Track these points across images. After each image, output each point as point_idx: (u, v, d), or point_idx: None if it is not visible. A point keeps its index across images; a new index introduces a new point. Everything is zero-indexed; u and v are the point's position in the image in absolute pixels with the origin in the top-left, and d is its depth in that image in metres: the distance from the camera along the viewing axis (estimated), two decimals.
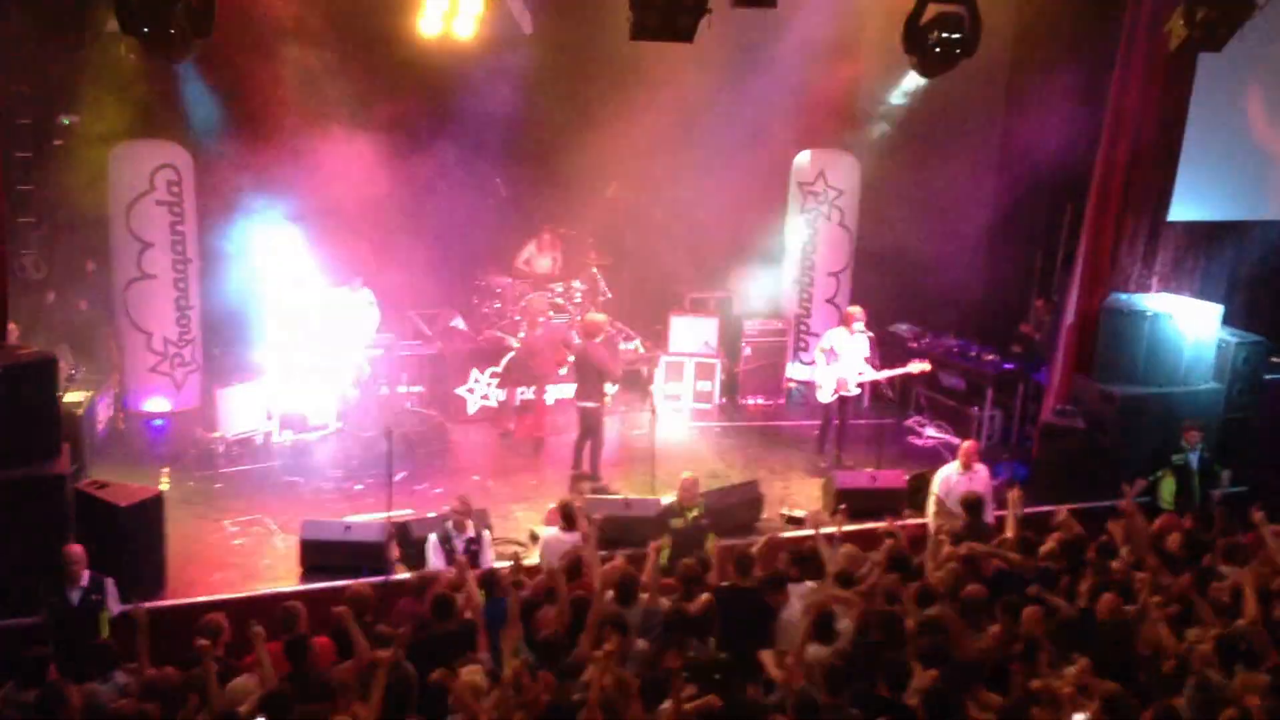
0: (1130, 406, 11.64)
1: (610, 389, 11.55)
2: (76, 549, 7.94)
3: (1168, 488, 10.78)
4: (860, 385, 12.22)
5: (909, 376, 12.72)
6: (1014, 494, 9.48)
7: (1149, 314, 11.76)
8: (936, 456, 12.45)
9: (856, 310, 12.24)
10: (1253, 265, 12.99)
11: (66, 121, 12.86)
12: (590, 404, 11.36)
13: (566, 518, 8.92)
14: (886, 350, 13.46)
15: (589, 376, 11.41)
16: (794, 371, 14.61)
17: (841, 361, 12.02)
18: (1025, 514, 9.40)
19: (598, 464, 11.46)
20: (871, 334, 12.28)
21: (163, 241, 12.48)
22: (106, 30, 11.99)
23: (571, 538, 8.70)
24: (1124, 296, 12.08)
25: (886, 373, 12.32)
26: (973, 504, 9.23)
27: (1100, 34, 11.97)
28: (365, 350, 13.07)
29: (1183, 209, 12.21)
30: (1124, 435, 11.56)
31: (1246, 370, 12.07)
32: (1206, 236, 12.58)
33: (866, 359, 12.11)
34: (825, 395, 12.13)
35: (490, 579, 7.74)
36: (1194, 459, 10.76)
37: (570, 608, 7.23)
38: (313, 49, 12.72)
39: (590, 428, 11.41)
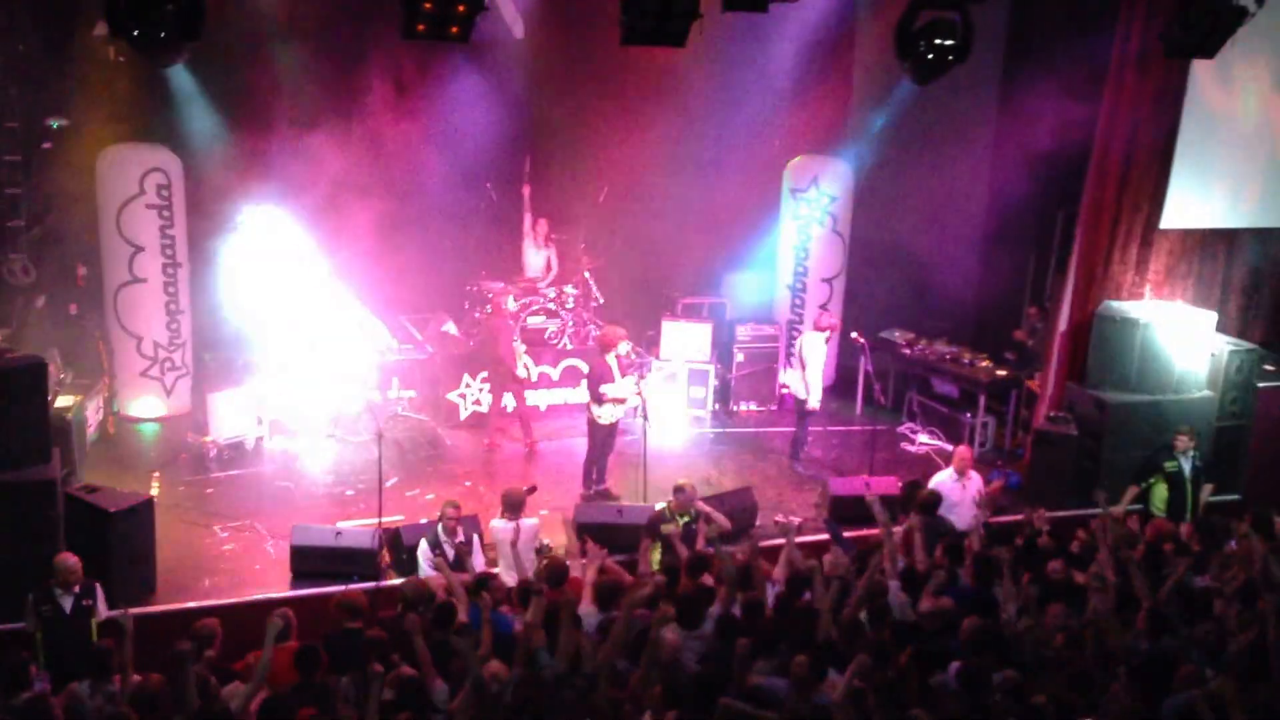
0: (1123, 414, 11.62)
1: (597, 409, 11.28)
2: (73, 560, 7.89)
3: (1159, 494, 10.77)
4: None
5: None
6: (988, 494, 9.57)
7: (1142, 321, 11.75)
8: (929, 463, 12.45)
9: (828, 317, 12.49)
10: (1246, 273, 13.00)
11: (56, 125, 12.82)
12: (589, 413, 11.34)
13: (510, 507, 9.04)
14: (878, 356, 13.48)
15: (590, 387, 11.40)
16: (788, 378, 14.60)
17: (813, 368, 12.14)
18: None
19: (590, 470, 11.46)
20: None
21: (153, 245, 12.42)
22: (96, 33, 12.04)
23: (514, 526, 8.91)
24: (1117, 304, 12.08)
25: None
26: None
27: (1093, 40, 11.98)
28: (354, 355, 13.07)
29: (1176, 216, 12.21)
30: (1116, 442, 11.54)
31: (1239, 378, 12.05)
32: (1200, 244, 12.57)
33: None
34: (816, 400, 12.20)
35: (482, 586, 7.66)
36: (1186, 465, 10.73)
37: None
38: (302, 53, 12.70)
39: (589, 435, 11.40)
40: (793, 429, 12.78)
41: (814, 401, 12.20)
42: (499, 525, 9.11)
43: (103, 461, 11.47)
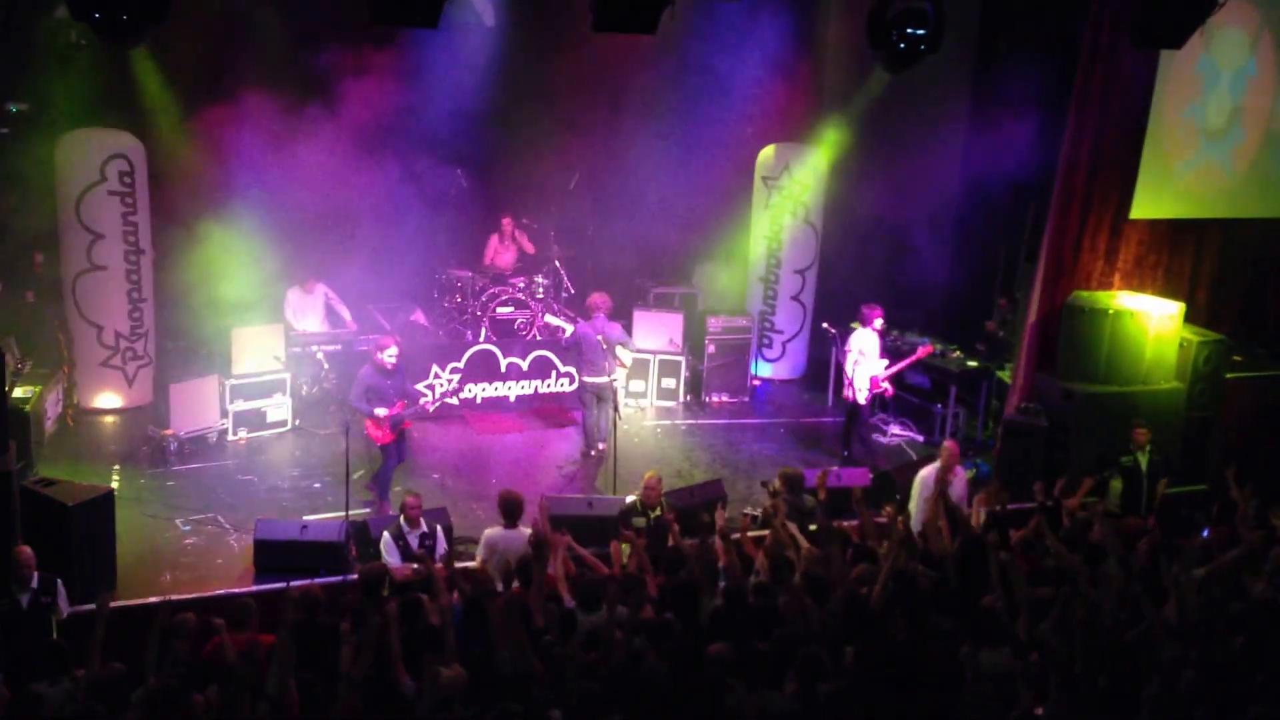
0: (1091, 405, 11.65)
1: (628, 356, 11.92)
2: (25, 551, 7.72)
3: (1115, 489, 10.71)
4: (887, 379, 12.30)
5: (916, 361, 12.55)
6: (984, 490, 9.52)
7: (1111, 312, 11.78)
8: (901, 454, 12.45)
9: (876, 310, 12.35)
10: (1214, 264, 13.06)
11: (15, 109, 12.64)
12: (605, 378, 11.71)
13: (507, 513, 8.65)
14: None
15: (604, 353, 11.69)
16: (763, 370, 14.60)
17: (870, 361, 12.08)
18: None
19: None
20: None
21: (114, 233, 12.20)
22: (56, 16, 11.83)
23: (514, 534, 8.58)
24: (1086, 294, 12.10)
25: (904, 362, 12.35)
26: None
27: (1064, 31, 11.98)
28: (323, 346, 12.91)
29: (1145, 207, 12.24)
30: (1085, 433, 11.56)
31: (1208, 369, 12.10)
32: (1169, 234, 12.62)
33: (880, 355, 12.28)
34: (864, 396, 12.17)
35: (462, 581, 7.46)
36: (1143, 460, 10.67)
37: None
38: (268, 37, 12.54)
39: (606, 400, 11.71)
40: (766, 420, 13.26)
41: (861, 398, 12.18)
42: (498, 534, 8.67)
43: (61, 454, 11.28)
